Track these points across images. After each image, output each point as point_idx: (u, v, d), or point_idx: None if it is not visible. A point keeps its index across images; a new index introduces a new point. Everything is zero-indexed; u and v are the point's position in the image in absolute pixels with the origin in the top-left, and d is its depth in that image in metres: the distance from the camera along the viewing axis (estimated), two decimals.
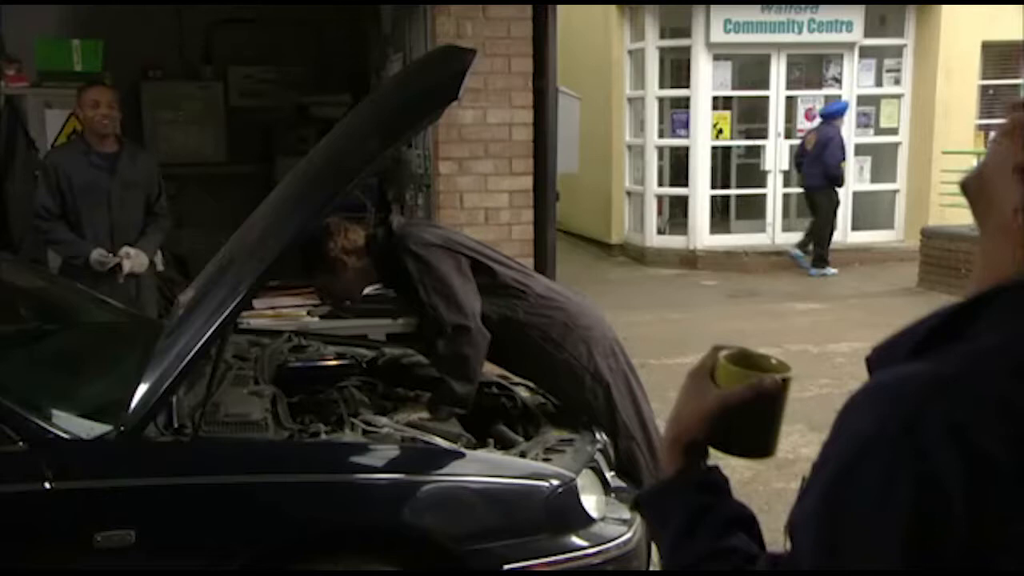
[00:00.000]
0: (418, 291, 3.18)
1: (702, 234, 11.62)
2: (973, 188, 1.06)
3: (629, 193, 12.35)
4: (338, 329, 4.54)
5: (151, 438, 2.61)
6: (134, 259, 4.74)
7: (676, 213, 12.06)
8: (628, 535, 2.89)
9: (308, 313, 4.73)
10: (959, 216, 8.10)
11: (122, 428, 2.57)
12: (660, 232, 11.97)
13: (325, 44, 7.37)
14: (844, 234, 11.87)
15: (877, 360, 1.02)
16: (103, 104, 4.71)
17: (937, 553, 0.85)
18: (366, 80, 6.95)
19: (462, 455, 2.85)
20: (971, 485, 0.84)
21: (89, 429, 2.61)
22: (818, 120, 10.98)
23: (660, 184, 11.99)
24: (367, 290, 3.81)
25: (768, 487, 4.42)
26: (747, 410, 1.13)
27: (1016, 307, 0.94)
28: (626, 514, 2.97)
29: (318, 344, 3.85)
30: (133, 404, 2.57)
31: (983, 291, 0.98)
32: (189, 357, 2.56)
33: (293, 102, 7.41)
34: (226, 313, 2.59)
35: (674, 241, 11.79)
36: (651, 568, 3.24)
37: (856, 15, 11.44)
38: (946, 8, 11.34)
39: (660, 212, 12.03)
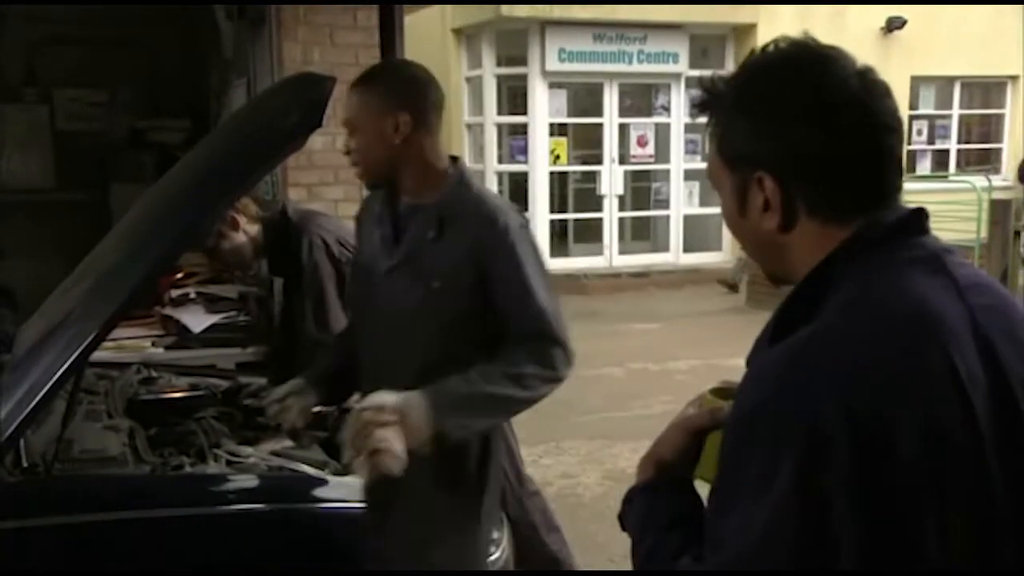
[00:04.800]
0: (300, 279, 3.17)
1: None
2: (759, 256, 1.21)
3: None
4: (185, 360, 4.41)
5: None
6: None
7: None
8: (497, 553, 2.93)
9: (152, 344, 4.58)
10: None
11: None
12: None
13: (159, 67, 7.13)
14: (676, 256, 12.40)
15: (751, 357, 1.13)
16: None
17: (823, 483, 0.95)
18: (206, 105, 6.77)
19: (328, 482, 2.84)
20: (849, 433, 0.95)
21: None
22: None
23: None
24: (215, 319, 3.72)
25: None
26: (711, 436, 1.13)
27: (841, 288, 1.06)
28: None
29: (169, 375, 3.73)
30: None
31: (807, 278, 1.11)
32: (43, 393, 2.44)
33: (127, 126, 7.13)
34: (83, 346, 2.48)
35: None
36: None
37: (681, 48, 12.03)
38: (760, 38, 12.06)
39: None
